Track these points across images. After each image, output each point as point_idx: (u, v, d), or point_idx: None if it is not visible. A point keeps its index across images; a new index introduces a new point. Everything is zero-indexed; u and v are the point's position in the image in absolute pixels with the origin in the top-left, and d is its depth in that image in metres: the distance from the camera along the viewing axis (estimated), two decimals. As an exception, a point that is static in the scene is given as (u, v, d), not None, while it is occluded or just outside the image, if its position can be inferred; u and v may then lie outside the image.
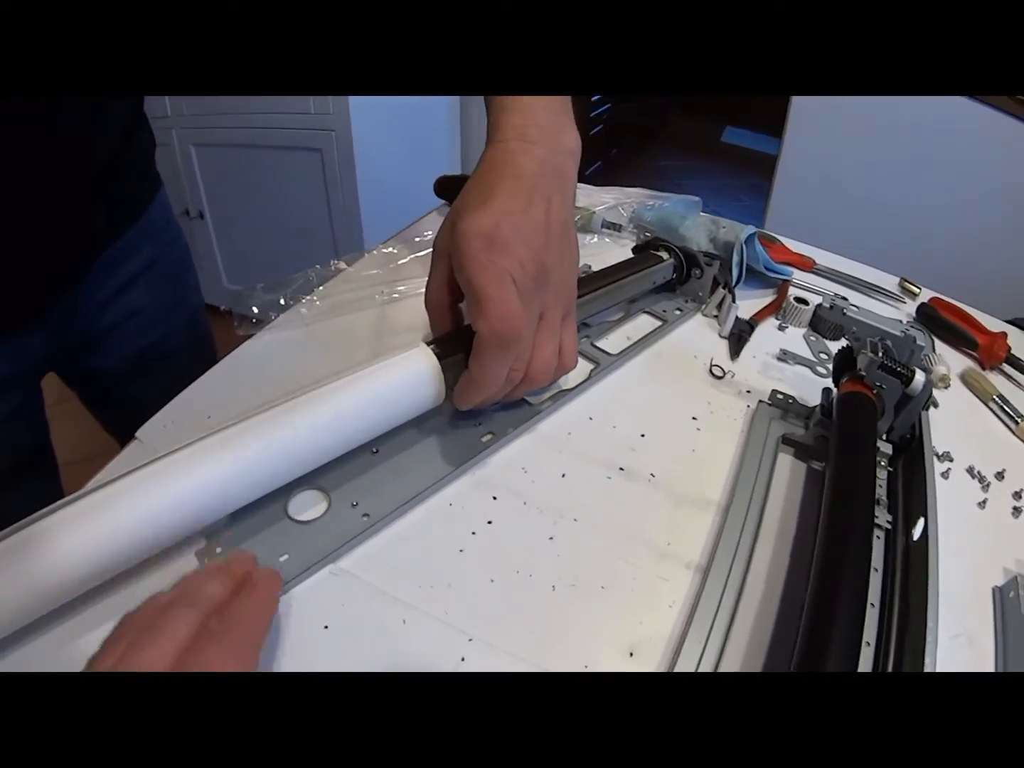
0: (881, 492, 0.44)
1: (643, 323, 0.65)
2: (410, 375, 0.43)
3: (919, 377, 0.46)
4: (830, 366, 0.61)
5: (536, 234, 0.42)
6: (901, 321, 0.69)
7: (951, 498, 0.48)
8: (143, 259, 0.67)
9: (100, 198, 0.59)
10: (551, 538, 0.42)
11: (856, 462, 0.41)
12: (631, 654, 0.37)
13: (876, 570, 0.39)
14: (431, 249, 0.70)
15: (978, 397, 0.62)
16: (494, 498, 0.45)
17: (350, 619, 0.37)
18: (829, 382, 0.54)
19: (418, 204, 0.82)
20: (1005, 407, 0.60)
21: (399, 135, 1.92)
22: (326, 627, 0.36)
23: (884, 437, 0.48)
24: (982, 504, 0.50)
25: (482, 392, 0.43)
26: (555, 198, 0.44)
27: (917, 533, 0.41)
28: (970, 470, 0.53)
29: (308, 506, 0.42)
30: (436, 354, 0.44)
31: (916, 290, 0.79)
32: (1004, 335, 0.68)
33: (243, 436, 0.38)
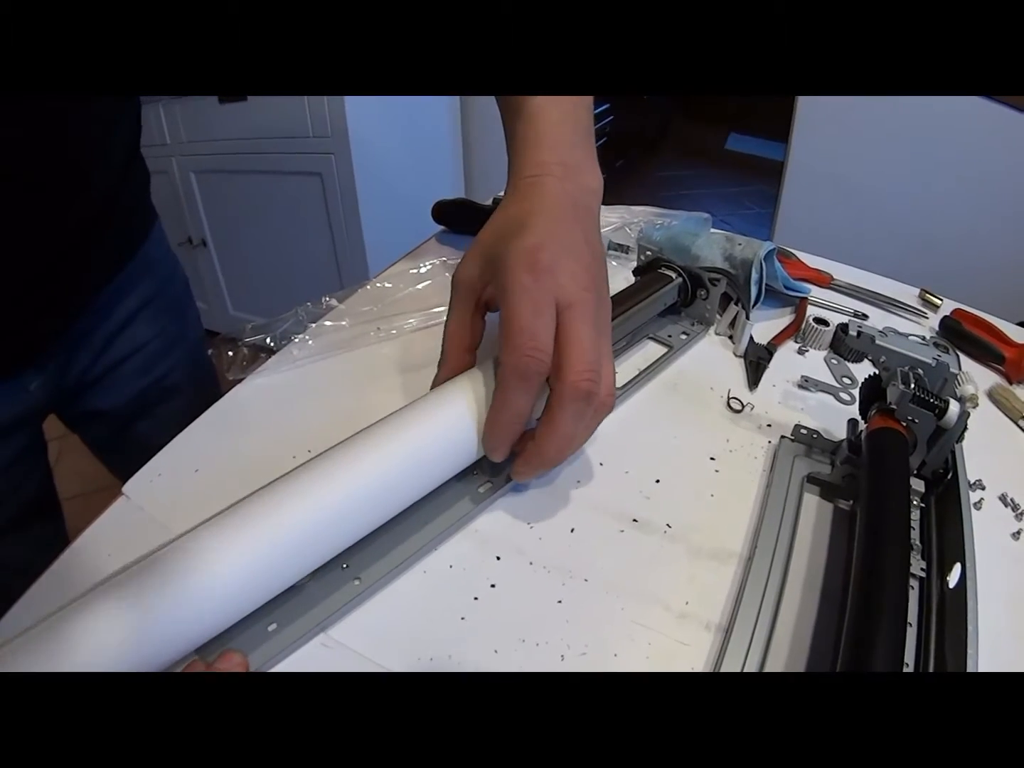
0: (914, 535, 0.40)
1: (649, 351, 0.61)
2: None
3: (953, 408, 0.42)
4: (854, 391, 0.58)
5: (583, 253, 0.41)
6: (925, 338, 0.66)
7: (984, 530, 0.44)
8: (142, 294, 0.67)
9: (98, 233, 0.57)
10: (559, 601, 0.39)
11: (889, 513, 0.38)
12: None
13: (911, 625, 0.36)
14: (429, 281, 0.68)
15: (1007, 415, 0.59)
16: (497, 558, 0.41)
17: (342, 699, 0.34)
18: (854, 409, 0.51)
19: (422, 224, 0.81)
20: (1036, 425, 0.56)
21: (399, 156, 1.91)
22: (317, 709, 0.33)
23: (915, 472, 0.44)
24: (1016, 535, 0.46)
25: (501, 427, 0.40)
26: (589, 232, 0.43)
27: (953, 581, 0.38)
28: (1003, 498, 0.49)
29: (297, 569, 0.39)
30: None
31: (938, 301, 0.76)
32: (1032, 345, 0.64)
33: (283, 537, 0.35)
